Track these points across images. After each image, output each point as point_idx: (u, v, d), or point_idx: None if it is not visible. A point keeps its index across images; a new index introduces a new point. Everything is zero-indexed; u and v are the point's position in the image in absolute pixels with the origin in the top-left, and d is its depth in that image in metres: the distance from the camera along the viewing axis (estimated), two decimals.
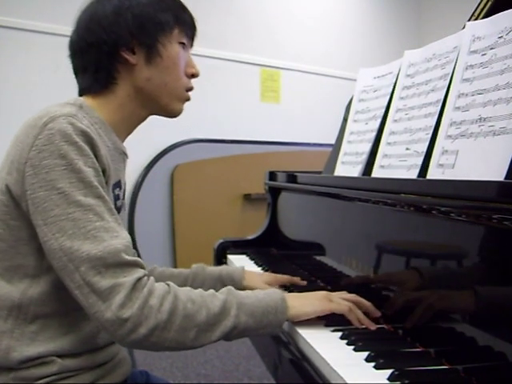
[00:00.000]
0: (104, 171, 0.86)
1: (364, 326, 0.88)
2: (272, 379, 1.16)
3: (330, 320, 0.90)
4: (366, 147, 1.23)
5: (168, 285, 0.83)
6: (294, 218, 1.58)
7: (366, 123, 1.28)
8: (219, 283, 1.15)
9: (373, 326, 0.88)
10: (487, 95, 0.86)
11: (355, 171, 1.24)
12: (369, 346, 0.79)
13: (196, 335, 0.81)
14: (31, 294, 0.84)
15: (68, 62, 0.98)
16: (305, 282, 1.19)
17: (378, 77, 1.30)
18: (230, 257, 1.56)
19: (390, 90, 1.21)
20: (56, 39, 2.94)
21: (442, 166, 0.91)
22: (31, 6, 3.07)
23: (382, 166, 1.12)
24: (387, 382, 0.67)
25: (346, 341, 0.83)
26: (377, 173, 1.14)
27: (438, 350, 0.77)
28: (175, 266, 3.31)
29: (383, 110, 1.22)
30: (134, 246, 0.96)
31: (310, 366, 0.81)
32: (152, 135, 3.11)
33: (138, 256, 0.88)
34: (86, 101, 0.93)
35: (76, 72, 0.98)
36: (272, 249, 1.61)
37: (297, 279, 1.19)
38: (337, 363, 0.74)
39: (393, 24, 4.65)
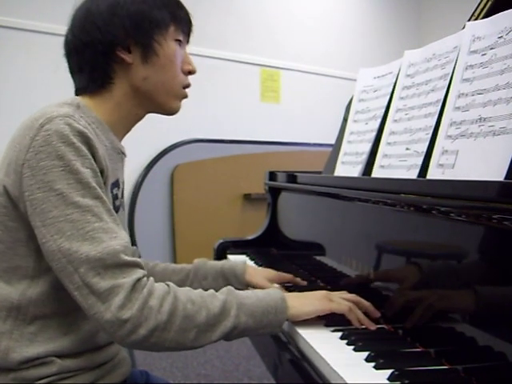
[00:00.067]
0: (102, 171, 0.85)
1: (364, 326, 0.88)
2: (272, 379, 1.16)
3: (330, 320, 0.90)
4: (366, 147, 1.23)
5: (168, 285, 0.83)
6: (293, 218, 1.57)
7: (366, 123, 1.28)
8: (221, 277, 1.14)
9: (373, 326, 0.88)
10: (487, 95, 0.86)
11: (355, 171, 1.24)
12: (369, 346, 0.79)
13: (196, 336, 0.81)
14: (30, 295, 0.84)
15: None
16: (305, 282, 1.19)
17: (378, 77, 1.30)
18: (230, 257, 1.56)
19: (390, 89, 1.21)
20: (56, 39, 2.89)
21: (441, 166, 0.91)
22: (31, 5, 3.07)
23: (382, 166, 1.12)
24: (387, 382, 0.67)
25: (345, 341, 0.83)
26: (377, 173, 1.13)
27: (438, 350, 0.77)
28: None
29: (383, 110, 1.21)
30: (134, 246, 0.95)
31: (309, 366, 0.80)
32: (152, 135, 3.11)
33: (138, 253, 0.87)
34: (83, 100, 0.92)
35: (72, 71, 0.97)
36: (272, 249, 1.61)
37: (298, 279, 1.19)
38: (337, 363, 0.73)
39: (393, 24, 4.65)
